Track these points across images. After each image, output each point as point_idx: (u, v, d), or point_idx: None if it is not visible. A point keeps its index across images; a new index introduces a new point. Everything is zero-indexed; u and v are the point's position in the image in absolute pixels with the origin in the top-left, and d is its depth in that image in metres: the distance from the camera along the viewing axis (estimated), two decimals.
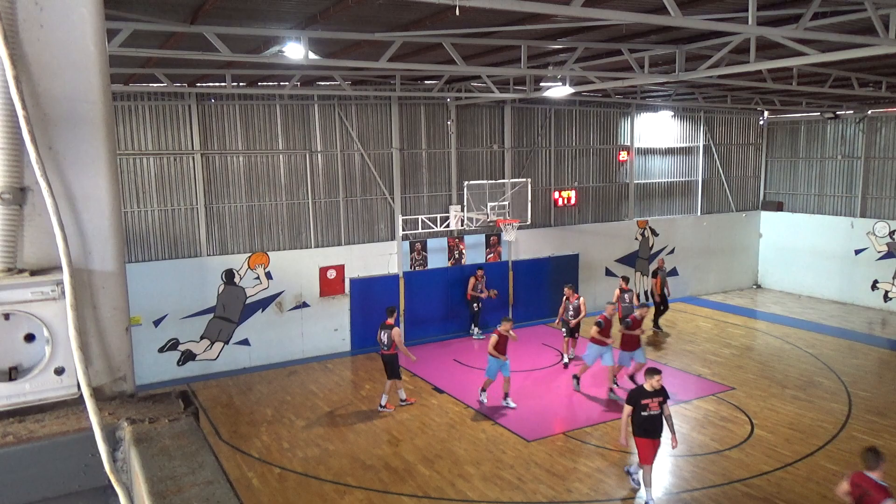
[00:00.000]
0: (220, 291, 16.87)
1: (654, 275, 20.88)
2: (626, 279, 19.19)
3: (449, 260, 19.76)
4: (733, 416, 13.64)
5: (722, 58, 11.54)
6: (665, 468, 11.64)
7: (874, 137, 22.85)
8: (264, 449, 12.43)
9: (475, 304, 19.45)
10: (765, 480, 11.01)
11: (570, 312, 17.13)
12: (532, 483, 10.99)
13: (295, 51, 10.28)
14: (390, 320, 14.21)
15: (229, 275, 16.93)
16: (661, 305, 20.37)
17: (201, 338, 16.72)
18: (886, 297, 22.17)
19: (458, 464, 11.69)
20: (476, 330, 19.68)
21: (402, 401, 14.44)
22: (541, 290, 21.19)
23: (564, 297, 17.39)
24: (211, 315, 16.77)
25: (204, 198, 16.58)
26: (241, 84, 16.01)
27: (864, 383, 15.55)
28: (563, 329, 17.45)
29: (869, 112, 22.63)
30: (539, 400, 14.73)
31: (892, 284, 22.03)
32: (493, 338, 13.97)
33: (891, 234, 22.04)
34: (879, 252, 22.32)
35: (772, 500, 10.40)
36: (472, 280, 19.44)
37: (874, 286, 22.48)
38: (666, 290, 20.29)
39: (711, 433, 12.84)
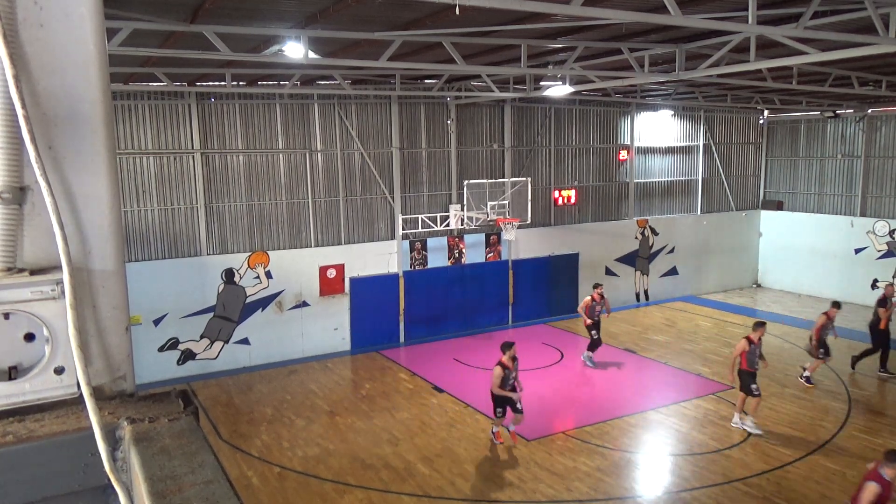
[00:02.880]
0: (220, 290, 16.87)
1: (883, 304, 15.84)
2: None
3: (449, 259, 19.75)
4: (733, 415, 13.63)
5: (722, 57, 11.54)
6: (664, 467, 11.65)
7: (874, 136, 22.85)
8: (264, 448, 12.43)
9: (594, 332, 16.61)
10: (764, 479, 11.01)
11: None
12: (532, 482, 11.00)
13: (295, 50, 10.27)
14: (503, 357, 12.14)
15: (229, 274, 16.93)
16: (885, 344, 15.61)
17: (201, 337, 16.72)
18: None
19: (458, 463, 11.69)
20: (589, 355, 16.79)
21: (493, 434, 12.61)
22: (541, 289, 21.20)
23: (748, 338, 12.88)
24: (211, 314, 16.77)
25: (204, 197, 16.58)
26: (240, 83, 16.00)
27: (864, 382, 15.54)
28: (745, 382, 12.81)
29: (869, 111, 22.63)
30: (539, 399, 14.72)
31: (892, 283, 22.01)
32: (870, 490, 7.95)
33: (891, 233, 22.03)
34: (879, 251, 22.31)
35: (771, 499, 10.40)
36: (587, 301, 16.67)
37: (874, 285, 22.46)
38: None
39: (711, 432, 12.84)
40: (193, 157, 16.39)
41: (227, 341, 17.02)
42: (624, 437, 12.79)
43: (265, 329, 17.36)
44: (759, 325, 13.23)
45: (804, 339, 18.82)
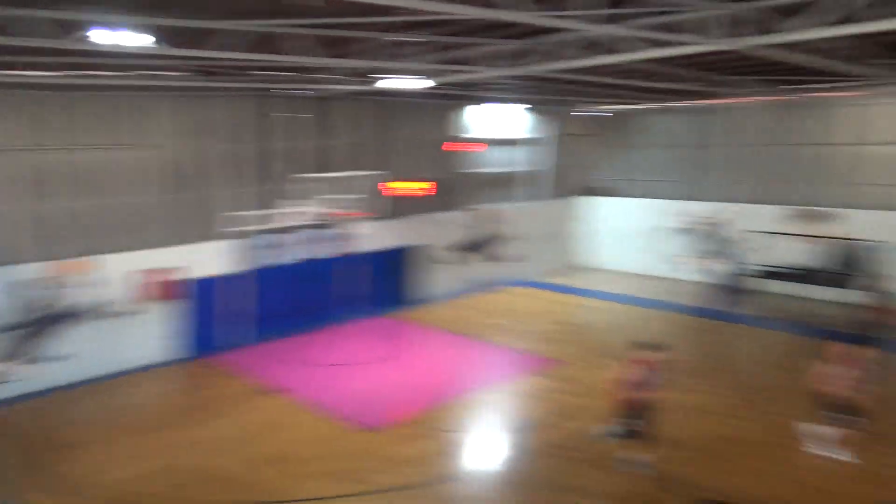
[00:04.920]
0: (28, 302, 14.88)
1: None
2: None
3: (290, 256, 19.15)
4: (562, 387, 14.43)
5: (557, 54, 12.14)
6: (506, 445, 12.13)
7: (696, 128, 25.66)
8: (76, 477, 11.04)
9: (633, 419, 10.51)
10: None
11: None
12: (368, 473, 10.99)
13: (128, 38, 9.53)
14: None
15: (40, 283, 15.00)
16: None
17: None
18: (681, 270, 24.32)
19: (298, 463, 11.40)
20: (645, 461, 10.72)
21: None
22: (384, 281, 21.47)
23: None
24: (14, 331, 14.65)
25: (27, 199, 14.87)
26: (65, 73, 14.20)
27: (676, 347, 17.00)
28: None
29: (696, 103, 24.35)
30: (379, 387, 14.90)
31: (686, 258, 24.04)
32: None
33: (700, 215, 24.12)
34: (684, 230, 24.39)
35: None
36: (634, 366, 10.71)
37: (674, 260, 24.61)
38: None
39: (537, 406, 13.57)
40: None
41: (34, 360, 14.84)
42: (459, 418, 13.20)
43: (87, 341, 15.58)
44: None
45: (625, 314, 20.51)
